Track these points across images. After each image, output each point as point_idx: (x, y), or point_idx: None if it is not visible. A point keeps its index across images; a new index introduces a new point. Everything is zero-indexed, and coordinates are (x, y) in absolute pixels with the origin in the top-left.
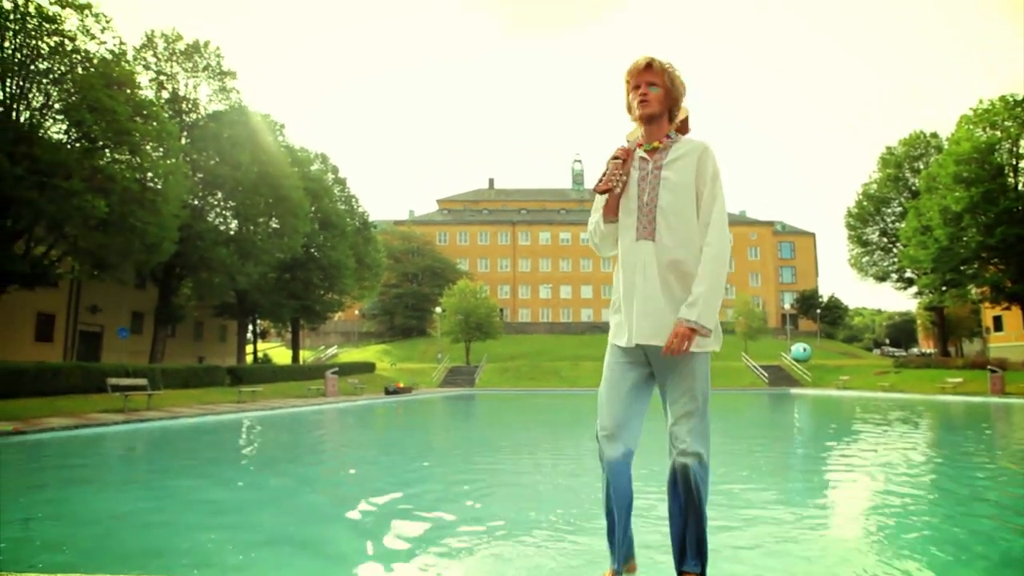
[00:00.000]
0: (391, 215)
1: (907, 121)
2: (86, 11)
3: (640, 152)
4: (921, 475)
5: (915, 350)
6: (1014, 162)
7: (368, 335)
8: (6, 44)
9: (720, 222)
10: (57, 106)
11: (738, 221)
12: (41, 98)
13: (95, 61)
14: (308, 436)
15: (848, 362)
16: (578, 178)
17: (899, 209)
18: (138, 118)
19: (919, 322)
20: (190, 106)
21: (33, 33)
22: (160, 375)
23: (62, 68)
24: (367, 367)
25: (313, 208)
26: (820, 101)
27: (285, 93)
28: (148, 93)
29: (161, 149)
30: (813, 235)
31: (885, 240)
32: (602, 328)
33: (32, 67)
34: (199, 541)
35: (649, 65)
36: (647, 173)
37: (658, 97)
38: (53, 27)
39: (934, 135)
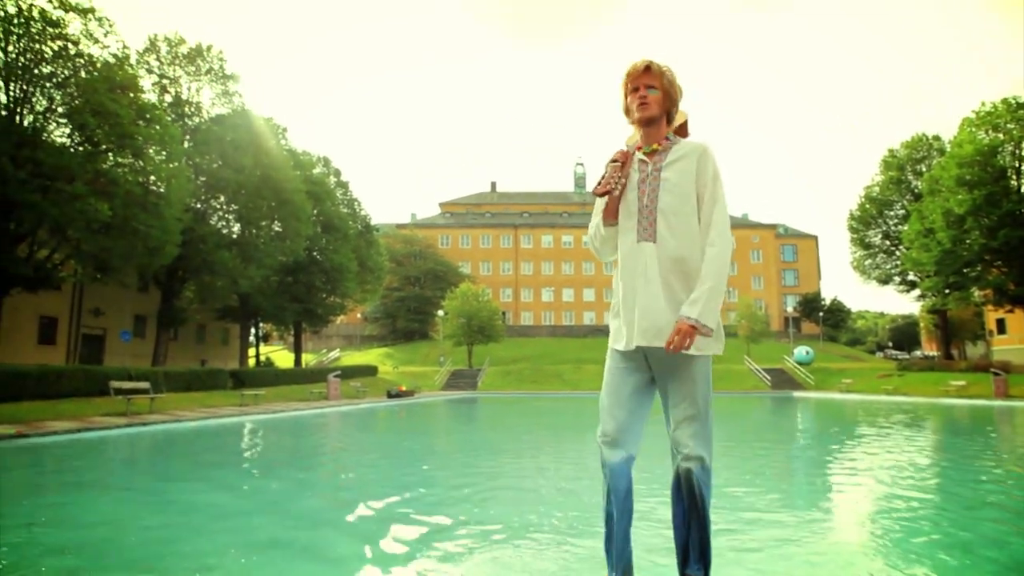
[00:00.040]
0: (393, 218)
1: (907, 121)
2: (89, 15)
3: (639, 155)
4: (926, 478)
5: (918, 353)
6: (1017, 164)
7: (370, 338)
8: (10, 48)
9: (722, 222)
10: (60, 110)
11: (740, 224)
12: (44, 102)
13: (98, 65)
14: (310, 440)
15: (851, 365)
16: (580, 181)
17: (902, 212)
18: (141, 122)
19: (922, 325)
20: (193, 110)
21: (37, 37)
22: (162, 378)
23: (65, 72)
24: (369, 370)
25: (315, 211)
26: (821, 103)
27: (288, 96)
28: (151, 97)
29: (164, 153)
30: (815, 238)
31: (888, 243)
32: (604, 331)
33: (36, 71)
34: (201, 545)
35: (648, 68)
36: (647, 175)
37: (657, 100)
38: (56, 31)
39: (936, 138)
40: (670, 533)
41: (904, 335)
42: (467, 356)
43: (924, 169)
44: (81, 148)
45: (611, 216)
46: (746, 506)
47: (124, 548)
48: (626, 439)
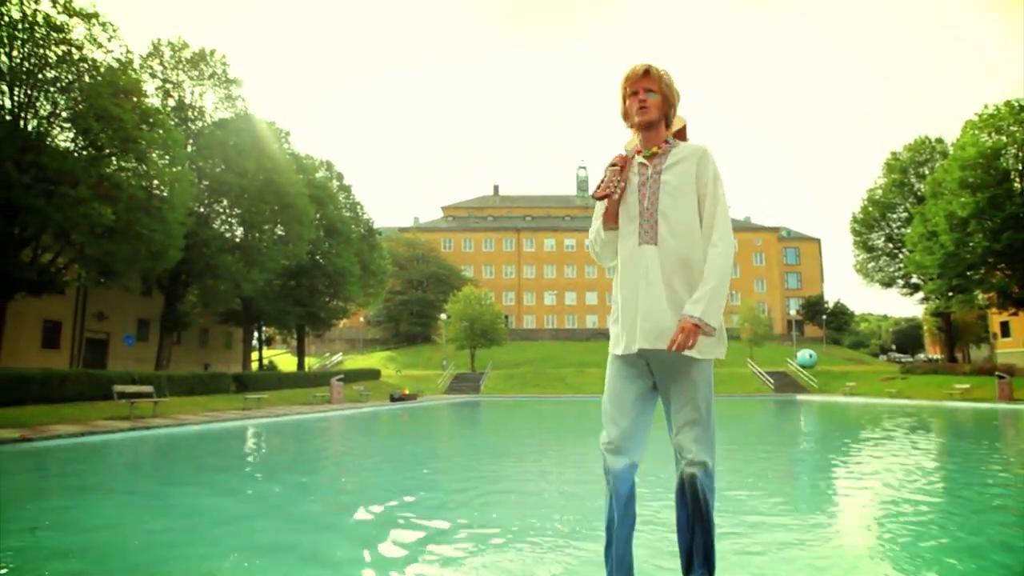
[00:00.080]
0: (396, 222)
1: (907, 122)
2: (93, 20)
3: (639, 158)
4: (932, 482)
5: (922, 356)
6: (1020, 167)
7: (373, 342)
8: (14, 53)
9: (724, 223)
10: (64, 114)
11: (743, 227)
12: (48, 107)
13: (102, 70)
14: (313, 443)
15: (854, 368)
16: (583, 184)
17: (905, 215)
18: (144, 126)
19: (926, 328)
20: (196, 114)
21: (41, 42)
22: (166, 382)
23: (69, 77)
24: (372, 374)
25: (318, 215)
26: (823, 105)
27: (290, 100)
28: (154, 101)
29: (167, 157)
30: (818, 241)
31: (891, 246)
32: (606, 335)
33: (40, 76)
34: (204, 550)
35: (647, 72)
36: (647, 178)
37: (656, 103)
38: (60, 36)
39: (939, 140)
40: (674, 537)
41: (908, 338)
42: (470, 360)
43: (927, 172)
44: (85, 152)
45: (611, 220)
46: (749, 509)
47: (127, 552)
48: (629, 446)
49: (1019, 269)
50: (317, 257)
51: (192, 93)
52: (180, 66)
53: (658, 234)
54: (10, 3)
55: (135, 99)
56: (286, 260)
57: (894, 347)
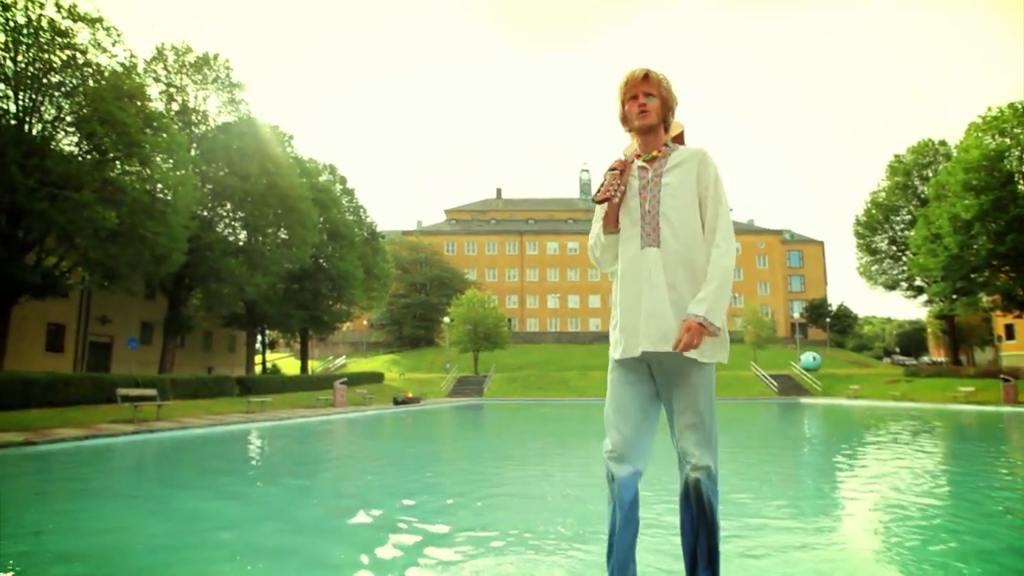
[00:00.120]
0: (399, 225)
1: (907, 122)
2: (97, 25)
3: (638, 162)
4: (939, 485)
5: (926, 359)
6: None
7: (376, 345)
8: (19, 58)
9: (726, 225)
10: (69, 119)
11: (746, 230)
12: (53, 111)
13: (106, 74)
14: (317, 447)
15: (858, 371)
16: (585, 187)
17: (908, 217)
18: (148, 130)
19: (930, 331)
20: (199, 118)
21: (46, 47)
22: (169, 385)
23: (74, 81)
24: (375, 377)
25: (321, 219)
26: (825, 107)
27: (294, 103)
28: (158, 105)
29: (171, 160)
30: (821, 243)
31: (894, 248)
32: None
33: (44, 80)
34: (207, 553)
35: (646, 76)
36: (647, 181)
37: (656, 108)
38: (65, 41)
39: (943, 143)
40: (677, 540)
41: (912, 341)
42: (473, 363)
43: (930, 174)
44: (89, 156)
45: (611, 224)
46: (753, 512)
47: (131, 556)
48: (633, 454)
49: (1023, 271)
50: (320, 260)
51: (196, 97)
52: (184, 70)
53: (660, 236)
54: (16, 8)
55: (139, 103)
56: (289, 263)
57: (898, 350)
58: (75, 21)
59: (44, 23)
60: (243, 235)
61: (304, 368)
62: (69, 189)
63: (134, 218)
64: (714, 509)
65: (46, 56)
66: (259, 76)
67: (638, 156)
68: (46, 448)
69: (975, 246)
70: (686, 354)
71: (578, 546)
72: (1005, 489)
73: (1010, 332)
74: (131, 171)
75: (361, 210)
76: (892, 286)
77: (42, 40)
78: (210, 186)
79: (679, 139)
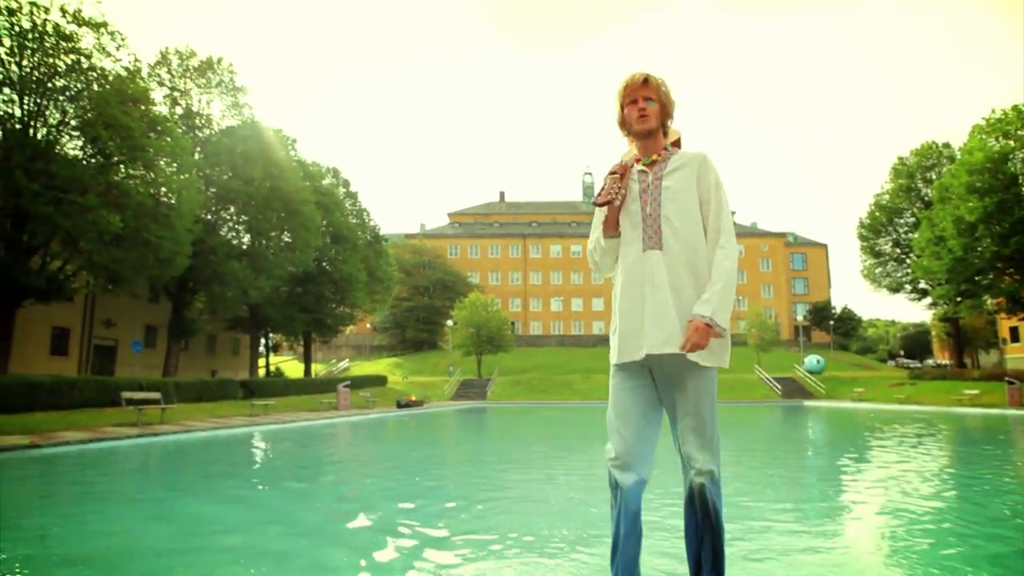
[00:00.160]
0: (402, 228)
1: (908, 122)
2: (102, 29)
3: (638, 166)
4: (945, 489)
5: (930, 361)
6: None
7: (380, 348)
8: (24, 63)
9: (728, 227)
10: (73, 123)
11: (750, 233)
12: (58, 115)
13: (110, 78)
14: (320, 450)
15: (862, 374)
16: (588, 190)
17: (912, 220)
18: (152, 134)
19: (934, 333)
20: (203, 121)
21: (50, 51)
22: (173, 389)
23: (78, 85)
24: (379, 380)
25: (325, 222)
26: (827, 109)
27: (297, 106)
28: (162, 109)
29: (175, 164)
30: (825, 246)
31: (898, 251)
32: None
33: (49, 85)
34: (211, 557)
35: (646, 80)
36: (648, 185)
37: (655, 112)
38: (70, 45)
39: (946, 145)
40: (681, 543)
41: (916, 343)
42: (476, 366)
43: (934, 177)
44: (93, 160)
45: (611, 227)
46: (757, 515)
47: (135, 559)
48: (636, 461)
49: None
50: (324, 264)
51: (199, 101)
52: (188, 74)
53: (662, 239)
54: (21, 13)
55: (143, 107)
56: (293, 267)
57: (902, 352)
58: (80, 26)
59: (49, 28)
60: (247, 238)
61: (307, 371)
62: (73, 193)
63: (138, 222)
64: (718, 513)
65: (51, 60)
66: (260, 78)
67: (637, 160)
68: (51, 451)
69: (979, 249)
70: (689, 356)
71: (582, 549)
72: (1012, 492)
73: (1015, 335)
74: (135, 175)
75: (364, 213)
76: (896, 289)
77: (47, 45)
78: (214, 190)
79: (676, 146)
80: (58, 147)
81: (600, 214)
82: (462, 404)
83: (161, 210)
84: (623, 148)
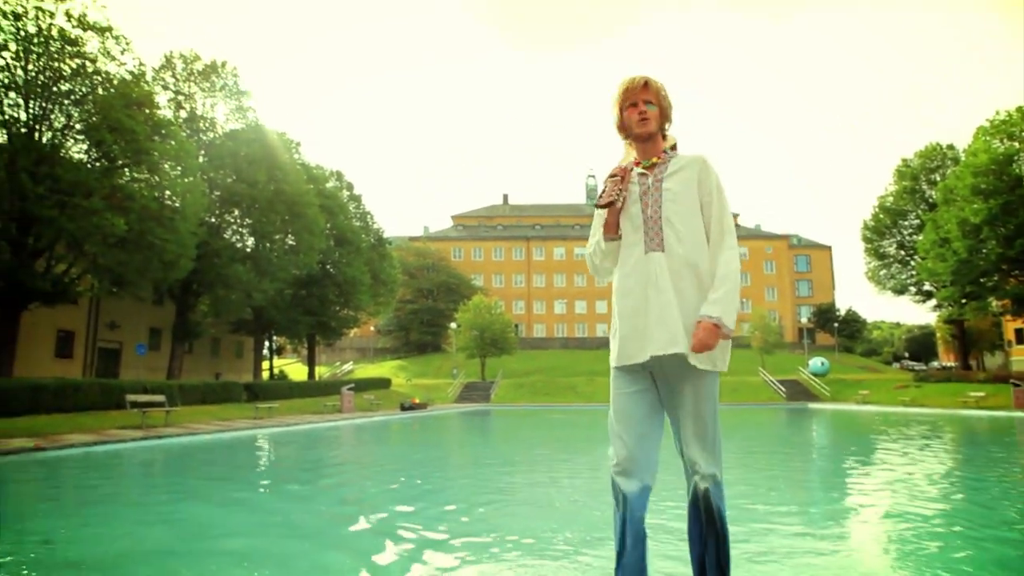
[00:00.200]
0: (406, 231)
1: (908, 123)
2: (107, 34)
3: (638, 169)
4: (953, 492)
5: (935, 364)
6: None
7: (383, 351)
8: (30, 67)
9: (730, 230)
10: (78, 126)
11: (753, 235)
12: (63, 119)
13: (115, 82)
14: (323, 453)
15: (867, 376)
16: (592, 193)
17: (916, 222)
18: (157, 137)
19: (939, 335)
20: (207, 125)
21: (56, 56)
22: (177, 391)
23: (83, 89)
24: (383, 383)
25: (328, 225)
26: (829, 110)
27: (299, 108)
28: (167, 113)
29: (179, 168)
30: (829, 248)
31: (903, 253)
32: None
33: (54, 89)
34: (213, 561)
35: (646, 84)
36: (648, 187)
37: (655, 115)
38: (75, 50)
39: (951, 147)
40: (685, 545)
41: (921, 346)
42: (480, 368)
43: (938, 178)
44: (98, 164)
45: (612, 230)
46: (761, 518)
47: (140, 562)
48: (639, 467)
49: None
50: (327, 266)
51: (204, 105)
52: (192, 78)
53: (664, 241)
54: (26, 18)
55: (148, 111)
56: (296, 270)
57: (907, 355)
58: (85, 30)
59: (54, 32)
60: (251, 241)
61: (311, 374)
62: (78, 196)
63: (143, 225)
64: (723, 517)
65: (56, 65)
66: (261, 79)
67: (637, 163)
68: (55, 454)
69: (984, 250)
70: (691, 360)
71: (586, 551)
72: (1022, 495)
73: (1020, 336)
74: (140, 178)
75: (368, 216)
76: (901, 291)
77: (52, 49)
78: (218, 193)
79: (672, 150)
80: (63, 151)
81: (599, 218)
82: (466, 407)
83: (165, 213)
84: (624, 151)
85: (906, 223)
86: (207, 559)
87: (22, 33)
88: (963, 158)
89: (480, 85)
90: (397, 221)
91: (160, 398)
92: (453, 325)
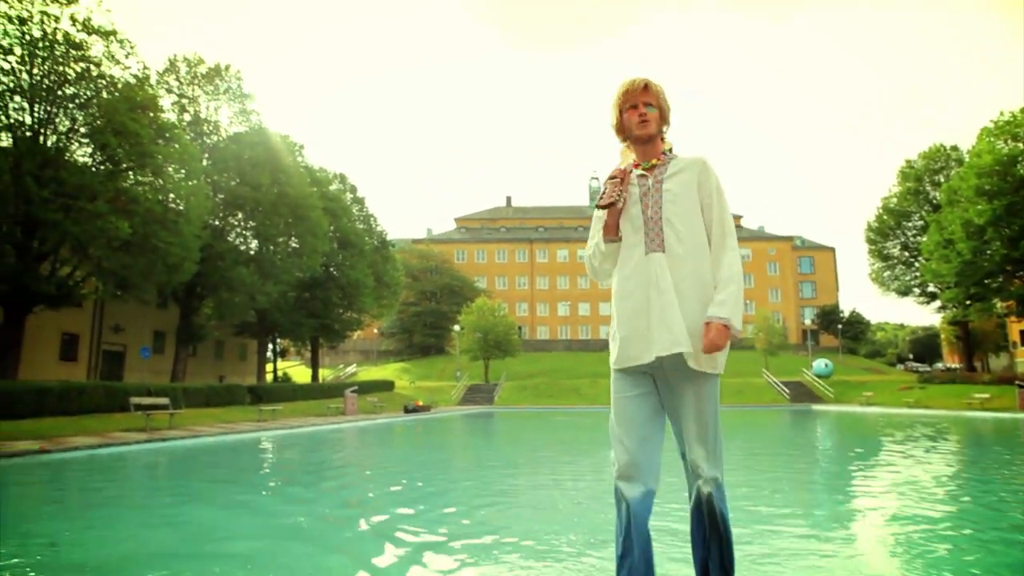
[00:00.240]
0: (409, 233)
1: (908, 123)
2: (111, 37)
3: (638, 171)
4: (960, 494)
5: (940, 365)
6: None
7: (387, 353)
8: (35, 71)
9: (732, 231)
10: (83, 130)
11: (757, 236)
12: (67, 122)
13: (119, 86)
14: (327, 455)
15: (871, 378)
16: (595, 195)
17: (920, 223)
18: (161, 141)
19: (943, 337)
20: (211, 128)
21: (61, 60)
22: (181, 394)
23: (88, 93)
24: (386, 385)
25: (332, 227)
26: (831, 111)
27: (302, 111)
28: (171, 116)
29: (183, 171)
30: (833, 250)
31: (907, 254)
32: None
33: (59, 92)
34: (217, 564)
35: (647, 87)
36: (648, 188)
37: (655, 118)
38: (80, 53)
39: (955, 148)
40: (687, 548)
41: (925, 347)
42: (483, 371)
43: (942, 180)
44: (102, 167)
45: (612, 232)
46: (765, 520)
47: (143, 565)
48: (642, 471)
49: None
50: (331, 269)
51: (207, 108)
52: (196, 81)
53: (665, 241)
54: (31, 22)
55: (152, 114)
56: (300, 272)
57: (911, 356)
58: (89, 34)
59: (59, 36)
60: (254, 244)
61: (315, 376)
62: (83, 199)
63: (147, 228)
64: (726, 520)
65: (61, 69)
66: (263, 81)
67: (636, 165)
68: (60, 456)
69: (988, 251)
70: (691, 363)
71: (590, 553)
72: None
73: None
74: (144, 181)
75: (371, 219)
76: (905, 292)
77: (57, 53)
78: (222, 196)
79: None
80: (68, 154)
81: (598, 221)
82: (469, 409)
83: (169, 216)
84: (620, 157)
85: (910, 224)
86: (211, 562)
87: (27, 37)
88: (967, 159)
89: (481, 86)
90: (400, 224)
91: (164, 401)
92: (456, 327)
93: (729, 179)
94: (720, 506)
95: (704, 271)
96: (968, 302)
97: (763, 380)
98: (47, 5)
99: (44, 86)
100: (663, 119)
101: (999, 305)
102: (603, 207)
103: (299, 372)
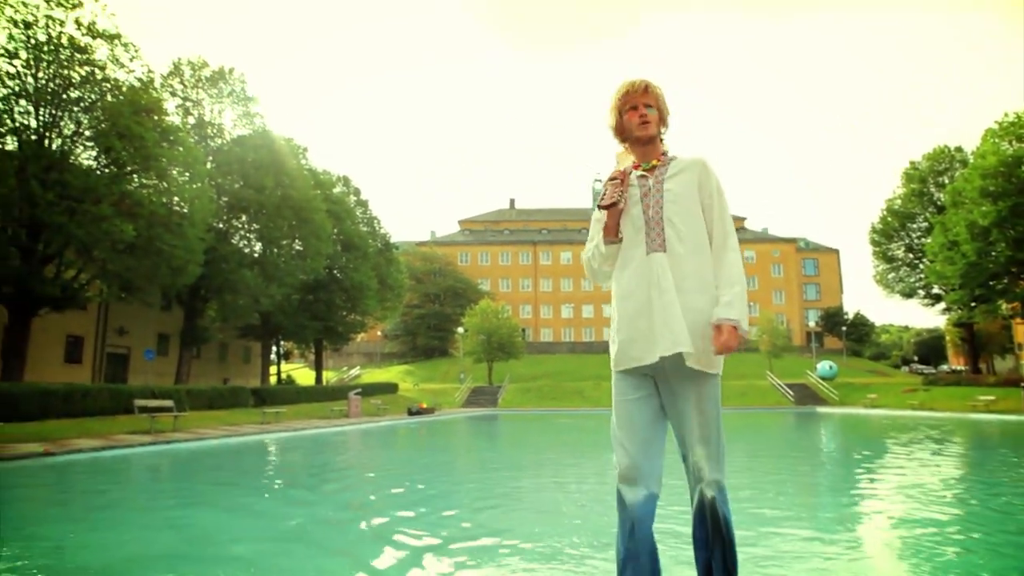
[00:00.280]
0: (413, 236)
1: (908, 123)
2: (116, 41)
3: (638, 172)
4: (969, 497)
5: (945, 367)
6: None
7: (391, 356)
8: (40, 75)
9: (733, 231)
10: (87, 133)
11: (760, 238)
12: (72, 126)
13: (124, 89)
14: (330, 458)
15: (876, 380)
16: (598, 197)
17: (925, 224)
18: (165, 144)
19: (948, 339)
20: (215, 131)
21: (65, 63)
22: (185, 396)
23: (92, 96)
24: (390, 388)
25: (336, 230)
26: (832, 112)
27: (304, 114)
28: (175, 119)
29: (187, 174)
30: (837, 251)
31: (911, 256)
32: None
33: (64, 96)
34: (220, 566)
35: (647, 88)
36: (648, 189)
37: (655, 119)
38: (84, 57)
39: (959, 149)
40: (690, 549)
41: (930, 349)
42: (487, 373)
43: (946, 181)
44: (107, 170)
45: (612, 233)
46: (769, 522)
47: (148, 569)
48: (644, 474)
49: None
50: (335, 271)
51: (211, 111)
52: (200, 85)
53: (666, 241)
54: (37, 26)
55: (156, 117)
56: (304, 275)
57: (916, 358)
58: (94, 38)
59: (64, 40)
60: (258, 247)
61: (319, 379)
62: (87, 202)
63: (151, 231)
64: (728, 523)
65: (66, 72)
66: (264, 82)
67: (636, 167)
68: (64, 459)
69: (993, 253)
70: (689, 363)
71: (593, 555)
72: None
73: None
74: (148, 184)
75: (375, 221)
76: (909, 294)
77: (62, 57)
78: (225, 198)
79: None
80: (72, 157)
81: (598, 223)
82: (473, 411)
83: (174, 219)
84: (617, 161)
85: (914, 226)
86: (214, 565)
87: (32, 41)
88: (971, 160)
89: (483, 87)
90: (404, 226)
91: (168, 403)
92: (460, 330)
93: (732, 181)
94: (723, 509)
95: (705, 271)
96: (973, 304)
97: (767, 382)
98: (52, 9)
99: (49, 90)
100: (662, 121)
101: (1004, 307)
102: (605, 208)
103: (303, 375)
